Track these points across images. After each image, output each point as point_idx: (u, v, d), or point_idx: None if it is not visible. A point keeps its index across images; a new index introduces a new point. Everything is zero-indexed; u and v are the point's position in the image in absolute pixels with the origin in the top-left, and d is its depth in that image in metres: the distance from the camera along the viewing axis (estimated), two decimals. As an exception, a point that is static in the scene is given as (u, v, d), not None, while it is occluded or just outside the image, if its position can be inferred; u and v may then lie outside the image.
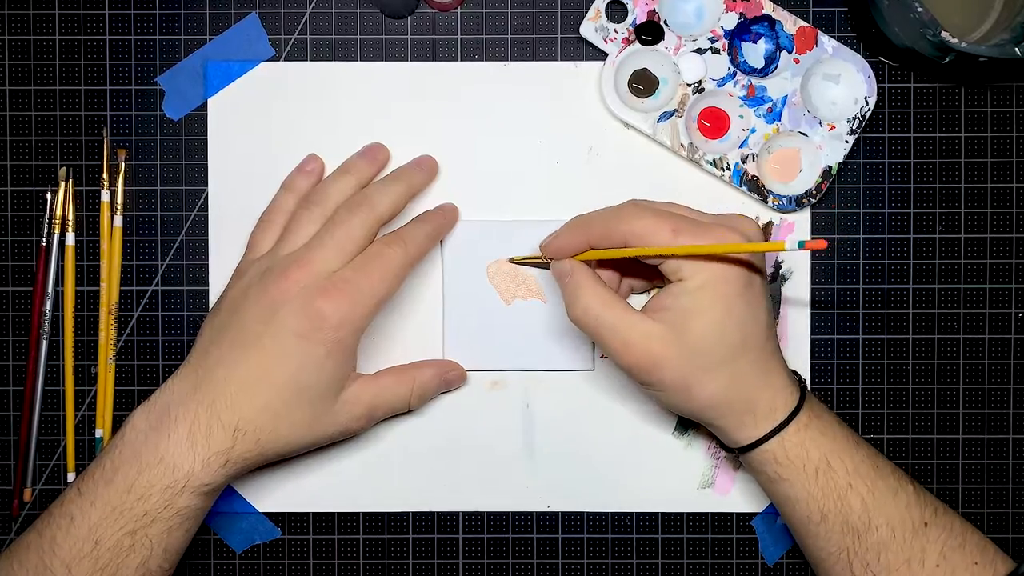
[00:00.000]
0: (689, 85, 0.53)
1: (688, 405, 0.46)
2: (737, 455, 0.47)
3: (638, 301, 0.52)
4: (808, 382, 0.54)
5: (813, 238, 0.44)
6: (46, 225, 0.53)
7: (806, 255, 0.53)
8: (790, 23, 0.53)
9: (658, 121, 0.53)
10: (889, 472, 0.46)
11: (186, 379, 0.46)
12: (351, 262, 0.47)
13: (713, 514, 0.54)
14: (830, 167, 0.53)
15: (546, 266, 0.52)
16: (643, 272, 0.50)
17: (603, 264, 0.49)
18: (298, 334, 0.46)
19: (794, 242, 0.40)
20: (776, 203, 0.53)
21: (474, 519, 0.54)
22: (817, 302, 0.54)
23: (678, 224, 0.44)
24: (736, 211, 0.53)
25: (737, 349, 0.44)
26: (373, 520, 0.54)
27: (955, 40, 0.48)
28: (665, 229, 0.44)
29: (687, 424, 0.54)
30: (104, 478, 0.45)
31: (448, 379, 0.52)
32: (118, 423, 0.54)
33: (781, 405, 0.45)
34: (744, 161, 0.53)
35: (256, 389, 0.45)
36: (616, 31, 0.53)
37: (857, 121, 0.52)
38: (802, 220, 0.53)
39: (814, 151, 0.53)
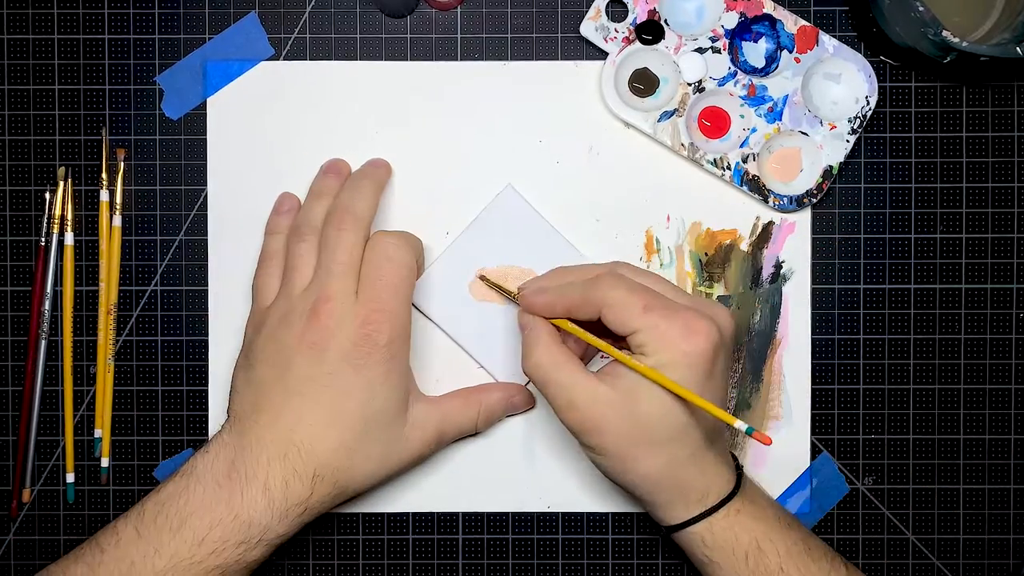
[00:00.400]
0: (690, 84, 0.53)
1: (624, 477, 0.46)
2: (666, 533, 0.47)
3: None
4: (809, 382, 0.53)
5: (762, 433, 0.41)
6: (45, 225, 0.53)
7: (807, 255, 0.53)
8: (791, 22, 0.52)
9: (658, 121, 0.52)
10: (821, 555, 0.46)
11: (244, 434, 0.46)
12: (362, 280, 0.47)
13: (713, 514, 0.54)
14: (831, 167, 0.52)
15: (512, 301, 0.52)
16: (608, 335, 0.50)
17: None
18: (355, 366, 0.46)
19: (743, 425, 0.42)
20: (777, 203, 0.53)
21: (474, 520, 0.54)
22: (818, 302, 0.54)
23: (650, 301, 0.44)
24: (737, 212, 0.53)
25: (680, 432, 0.44)
26: (373, 520, 0.54)
27: (956, 39, 0.47)
28: (637, 304, 0.44)
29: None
30: (168, 526, 0.44)
31: (515, 403, 0.52)
32: (117, 423, 0.54)
33: (714, 492, 0.46)
34: (745, 161, 0.52)
35: (328, 432, 0.46)
36: (616, 30, 0.52)
37: (858, 120, 0.52)
38: (803, 220, 0.53)
39: (815, 151, 0.52)
